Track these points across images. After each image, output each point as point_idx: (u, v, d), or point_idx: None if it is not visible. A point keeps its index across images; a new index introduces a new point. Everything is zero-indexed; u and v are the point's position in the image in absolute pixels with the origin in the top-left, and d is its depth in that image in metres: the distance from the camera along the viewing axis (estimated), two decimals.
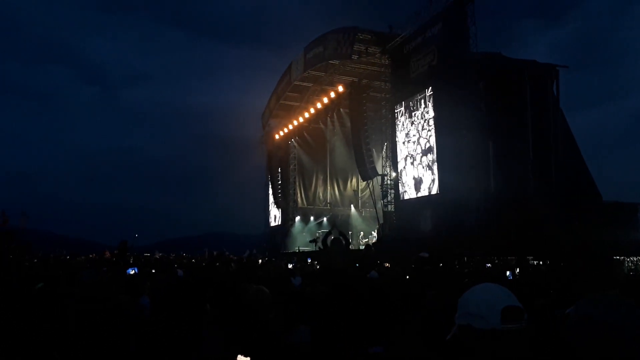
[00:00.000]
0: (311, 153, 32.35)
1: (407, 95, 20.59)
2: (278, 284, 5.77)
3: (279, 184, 33.23)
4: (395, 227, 21.32)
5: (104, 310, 3.56)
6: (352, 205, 31.24)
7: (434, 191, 18.69)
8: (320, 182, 32.84)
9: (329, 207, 31.88)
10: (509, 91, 17.39)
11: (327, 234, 9.83)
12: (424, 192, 19.45)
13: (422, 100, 19.66)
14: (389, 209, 22.11)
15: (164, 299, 4.45)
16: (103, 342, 3.20)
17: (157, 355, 3.10)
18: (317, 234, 25.91)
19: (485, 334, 1.47)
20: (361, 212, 30.69)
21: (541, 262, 13.91)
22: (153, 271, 9.24)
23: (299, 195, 32.64)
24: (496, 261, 14.92)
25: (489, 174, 16.61)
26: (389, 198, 22.08)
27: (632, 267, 14.29)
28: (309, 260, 18.78)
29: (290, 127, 31.58)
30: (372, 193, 25.32)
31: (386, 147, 23.51)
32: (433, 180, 18.83)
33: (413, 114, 20.31)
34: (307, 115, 29.43)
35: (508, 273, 9.73)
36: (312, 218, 31.90)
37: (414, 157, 20.18)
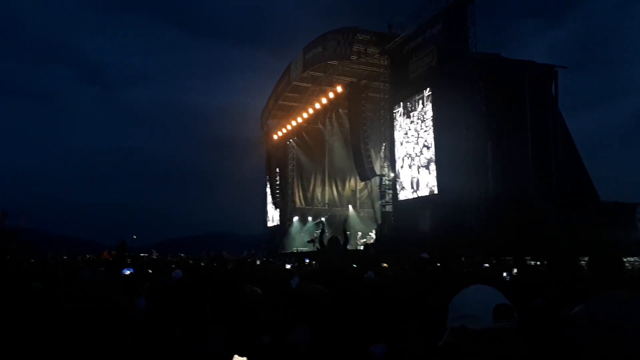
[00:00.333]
0: (310, 153, 32.32)
1: (406, 95, 20.59)
2: (277, 285, 5.77)
3: (277, 184, 33.22)
4: (393, 227, 21.32)
5: (102, 311, 3.56)
6: (350, 206, 31.19)
7: (433, 191, 18.70)
8: (318, 182, 32.82)
9: (327, 207, 31.88)
10: (508, 92, 17.42)
11: (322, 234, 9.79)
12: (422, 192, 19.45)
13: (421, 101, 19.66)
14: (387, 209, 22.10)
15: (162, 300, 4.45)
16: (102, 342, 3.20)
17: (156, 355, 3.10)
18: (315, 234, 25.89)
19: (479, 334, 1.47)
20: (359, 213, 30.64)
21: (539, 263, 13.90)
22: (150, 271, 9.19)
23: (297, 195, 32.62)
24: (494, 261, 14.91)
25: (488, 174, 16.61)
26: (387, 198, 22.06)
27: (630, 267, 14.29)
28: (307, 261, 18.75)
29: (289, 127, 31.58)
30: (370, 193, 25.31)
31: (384, 148, 23.48)
32: (431, 181, 18.84)
33: (411, 114, 20.31)
34: (305, 115, 29.43)
35: (505, 274, 9.71)
36: (310, 218, 31.84)
37: (413, 157, 20.18)
